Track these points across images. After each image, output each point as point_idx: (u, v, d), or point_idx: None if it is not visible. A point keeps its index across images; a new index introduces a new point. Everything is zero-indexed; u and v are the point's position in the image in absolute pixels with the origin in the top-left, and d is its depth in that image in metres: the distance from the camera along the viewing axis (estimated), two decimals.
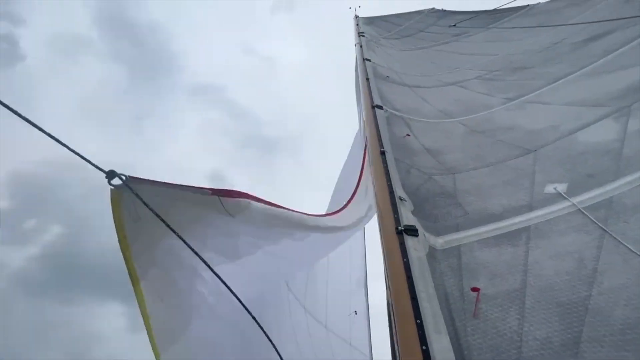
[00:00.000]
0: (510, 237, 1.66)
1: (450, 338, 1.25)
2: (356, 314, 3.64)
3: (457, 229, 1.88)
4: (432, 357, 1.21)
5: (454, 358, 1.20)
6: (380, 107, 3.37)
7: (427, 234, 1.84)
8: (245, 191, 1.79)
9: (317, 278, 3.45)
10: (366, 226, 4.33)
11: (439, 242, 1.84)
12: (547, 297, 1.24)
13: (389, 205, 1.94)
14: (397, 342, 1.34)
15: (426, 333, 1.27)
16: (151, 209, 1.29)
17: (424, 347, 1.24)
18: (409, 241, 1.68)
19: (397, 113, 3.57)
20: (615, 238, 1.26)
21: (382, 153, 2.47)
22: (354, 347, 3.46)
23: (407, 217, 1.88)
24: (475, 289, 1.43)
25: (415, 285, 1.43)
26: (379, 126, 2.91)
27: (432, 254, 1.74)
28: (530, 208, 1.74)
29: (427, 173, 2.64)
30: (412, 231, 1.74)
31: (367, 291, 3.87)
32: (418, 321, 1.31)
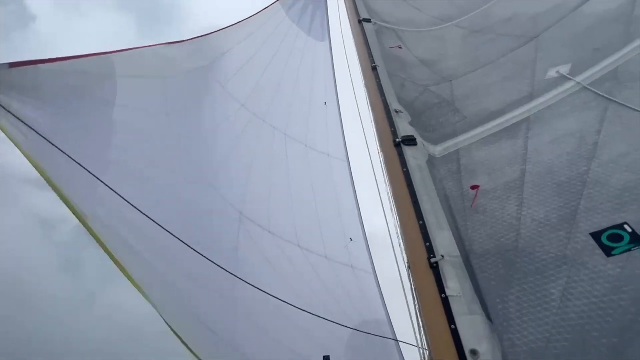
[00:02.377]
0: (509, 130, 1.62)
1: (452, 233, 1.31)
2: (351, 240, 3.64)
3: (455, 134, 1.84)
4: (435, 251, 1.27)
5: (457, 249, 1.26)
6: (368, 20, 3.09)
7: (425, 143, 1.82)
8: None
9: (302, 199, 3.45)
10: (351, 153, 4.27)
11: (438, 149, 1.83)
12: (546, 180, 1.25)
13: (385, 120, 1.90)
14: (403, 249, 1.41)
15: (429, 230, 1.32)
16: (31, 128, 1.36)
17: (427, 244, 1.30)
18: (408, 151, 1.67)
19: (387, 25, 3.28)
20: (619, 103, 1.21)
21: (374, 68, 2.34)
22: (356, 269, 3.50)
23: (405, 129, 1.85)
24: (474, 187, 1.44)
25: (416, 191, 1.45)
26: (369, 41, 2.70)
27: (431, 161, 1.73)
28: (530, 98, 1.67)
29: (423, 85, 2.52)
30: (410, 141, 1.73)
31: (361, 214, 3.89)
32: (421, 222, 1.36)
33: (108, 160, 1.80)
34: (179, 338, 1.91)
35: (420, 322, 1.23)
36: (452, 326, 1.10)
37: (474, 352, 1.05)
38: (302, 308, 2.81)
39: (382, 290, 3.38)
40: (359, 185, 4.02)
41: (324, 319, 2.65)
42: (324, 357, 2.97)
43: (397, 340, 3.20)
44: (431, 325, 1.17)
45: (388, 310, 3.23)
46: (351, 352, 2.88)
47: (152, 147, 2.23)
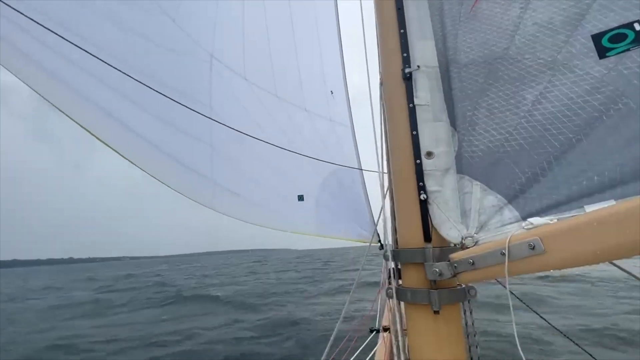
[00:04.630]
0: None
1: (437, 42, 1.16)
2: (332, 93, 3.55)
3: None
4: (412, 62, 1.14)
5: (437, 60, 1.14)
6: None
7: None
8: None
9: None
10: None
11: None
12: None
13: None
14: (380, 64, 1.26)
15: (409, 40, 1.16)
16: None
17: (405, 55, 1.15)
18: None
19: None
20: None
21: None
22: (335, 122, 3.54)
23: None
24: None
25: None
26: None
27: None
28: None
29: None
30: None
31: (345, 71, 3.67)
32: (402, 31, 1.18)
33: None
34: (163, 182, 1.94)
35: (383, 134, 1.21)
36: (414, 132, 1.07)
37: (429, 154, 1.05)
38: (278, 145, 2.85)
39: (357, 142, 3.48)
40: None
41: (298, 153, 2.74)
42: (298, 196, 3.21)
43: (361, 169, 3.47)
44: (393, 133, 1.14)
45: (360, 159, 3.41)
46: (325, 192, 3.14)
47: None
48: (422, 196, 1.02)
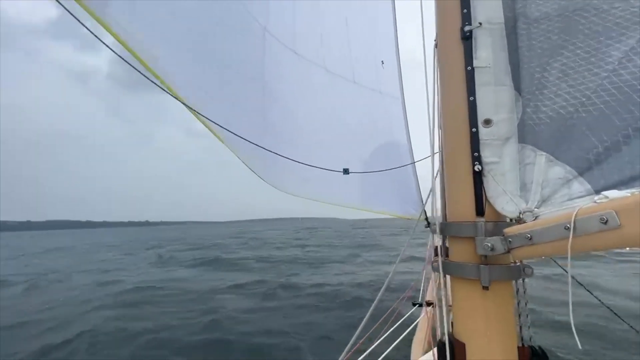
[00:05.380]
0: None
1: None
2: (383, 63, 3.36)
3: None
4: (473, 19, 1.03)
5: (502, 15, 1.01)
6: None
7: None
8: None
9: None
10: None
11: None
12: None
13: None
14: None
15: None
16: None
17: (464, 11, 1.04)
18: None
19: None
20: None
21: None
22: (384, 94, 3.39)
23: None
24: None
25: None
26: None
27: None
28: None
29: None
30: None
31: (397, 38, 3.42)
32: None
33: None
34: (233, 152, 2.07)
35: (436, 104, 1.13)
36: (471, 98, 0.99)
37: (487, 122, 0.97)
38: (325, 124, 2.84)
39: (407, 115, 3.33)
40: None
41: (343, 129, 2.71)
42: (343, 169, 3.21)
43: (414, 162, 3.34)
44: (448, 99, 1.06)
45: (409, 131, 3.27)
46: (371, 166, 3.09)
47: None
48: (477, 167, 0.96)
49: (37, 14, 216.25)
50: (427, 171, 1.23)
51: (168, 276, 12.73)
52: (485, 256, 0.93)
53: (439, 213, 1.14)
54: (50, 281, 12.78)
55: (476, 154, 0.96)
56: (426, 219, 3.54)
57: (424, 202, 3.41)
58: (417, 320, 2.19)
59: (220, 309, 7.80)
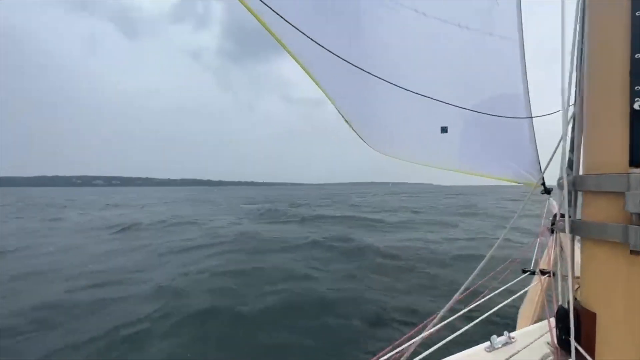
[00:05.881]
0: None
1: None
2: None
3: None
4: None
5: None
6: None
7: None
8: None
9: None
10: None
11: None
12: None
13: None
14: None
15: None
16: None
17: None
18: None
19: None
20: None
21: None
22: (497, 37, 2.82)
23: None
24: None
25: None
26: None
27: None
28: None
29: None
30: None
31: None
32: None
33: None
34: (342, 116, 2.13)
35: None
36: (637, 12, 0.76)
37: None
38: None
39: (525, 61, 2.78)
40: None
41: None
42: (441, 128, 2.96)
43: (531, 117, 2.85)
44: (598, 21, 0.84)
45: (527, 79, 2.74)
46: (475, 123, 2.76)
47: None
48: (637, 104, 0.75)
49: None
50: (543, 131, 1.03)
51: (266, 228, 14.60)
52: (637, 215, 0.75)
53: (566, 166, 0.96)
54: (192, 222, 16.59)
55: (638, 87, 0.75)
56: (543, 184, 3.03)
57: (542, 165, 2.93)
58: (524, 289, 1.99)
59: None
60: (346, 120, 2.47)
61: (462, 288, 1.14)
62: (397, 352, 1.17)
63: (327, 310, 5.29)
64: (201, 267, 8.20)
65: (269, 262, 8.49)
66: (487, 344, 1.39)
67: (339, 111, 2.33)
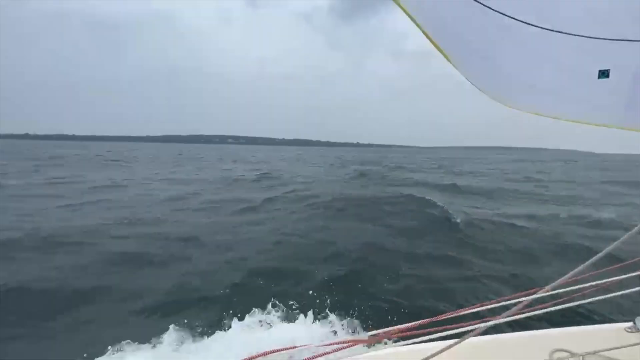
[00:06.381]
0: None
1: None
2: None
3: None
4: None
5: None
6: None
7: None
8: None
9: None
10: None
11: None
12: None
13: None
14: None
15: None
16: None
17: None
18: None
19: None
20: None
21: None
22: None
23: None
24: None
25: None
26: None
27: None
28: None
29: None
30: None
31: None
32: None
33: None
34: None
35: None
36: None
37: None
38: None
39: None
40: None
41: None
42: (599, 72, 2.39)
43: None
44: None
45: None
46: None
47: None
48: None
49: None
50: None
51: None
52: None
53: None
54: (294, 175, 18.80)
55: None
56: None
57: None
58: None
59: None
60: (464, 74, 2.22)
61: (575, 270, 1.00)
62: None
63: None
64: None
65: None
66: (629, 324, 1.23)
67: (455, 66, 2.09)
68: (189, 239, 6.76)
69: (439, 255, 6.06)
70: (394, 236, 7.24)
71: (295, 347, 1.13)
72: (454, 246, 6.58)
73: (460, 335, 0.98)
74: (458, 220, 8.37)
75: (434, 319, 1.20)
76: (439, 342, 1.09)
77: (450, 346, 0.98)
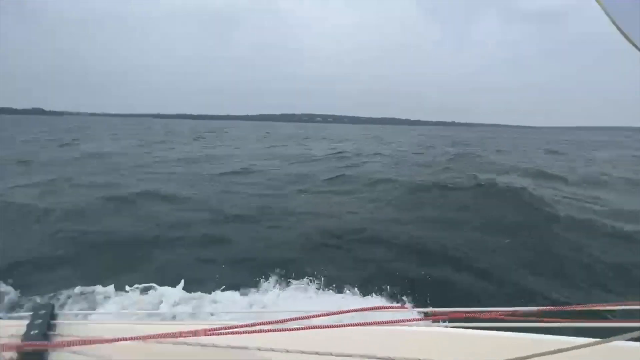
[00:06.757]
0: None
1: None
2: None
3: None
4: None
5: None
6: None
7: None
8: None
9: None
10: None
11: None
12: None
13: None
14: None
15: None
16: None
17: None
18: None
19: None
20: None
21: None
22: None
23: None
24: None
25: None
26: None
27: None
28: None
29: None
30: None
31: None
32: None
33: None
34: None
35: None
36: None
37: None
38: None
39: None
40: None
41: None
42: None
43: None
44: None
45: None
46: None
47: None
48: None
49: None
50: None
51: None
52: None
53: None
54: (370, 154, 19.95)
55: None
56: None
57: None
58: None
59: None
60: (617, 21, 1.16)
61: None
62: None
63: None
64: None
65: None
66: None
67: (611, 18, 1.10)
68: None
69: None
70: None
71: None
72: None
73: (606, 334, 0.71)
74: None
75: (565, 307, 1.00)
76: (573, 338, 0.93)
77: (589, 344, 0.71)
